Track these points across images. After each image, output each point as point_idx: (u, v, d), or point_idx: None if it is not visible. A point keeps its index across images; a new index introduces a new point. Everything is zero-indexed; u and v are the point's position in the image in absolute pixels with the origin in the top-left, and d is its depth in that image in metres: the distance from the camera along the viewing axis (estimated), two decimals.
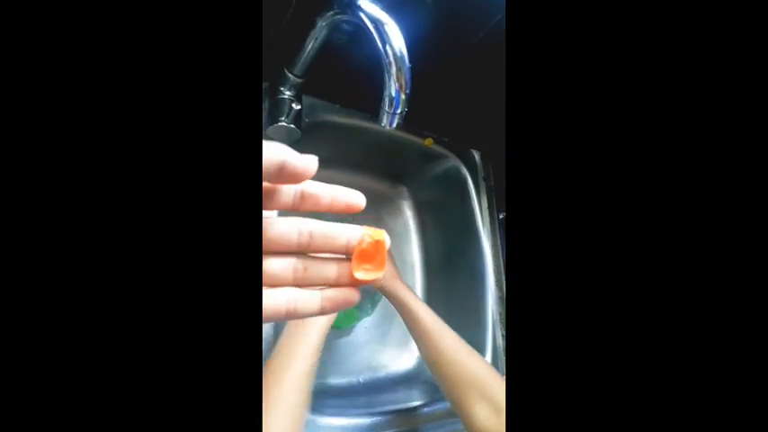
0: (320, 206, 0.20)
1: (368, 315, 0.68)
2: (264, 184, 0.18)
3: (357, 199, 0.20)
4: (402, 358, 0.69)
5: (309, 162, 0.18)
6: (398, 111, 0.37)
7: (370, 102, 0.56)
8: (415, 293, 0.52)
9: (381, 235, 0.20)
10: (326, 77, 0.53)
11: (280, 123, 0.47)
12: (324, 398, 0.60)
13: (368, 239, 0.20)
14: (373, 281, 0.20)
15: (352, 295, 0.20)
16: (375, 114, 0.60)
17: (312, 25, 0.41)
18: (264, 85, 0.52)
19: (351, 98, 0.59)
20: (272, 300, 0.19)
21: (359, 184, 0.73)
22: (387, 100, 0.37)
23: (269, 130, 0.48)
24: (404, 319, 0.52)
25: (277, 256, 0.20)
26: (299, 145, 0.55)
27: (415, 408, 0.57)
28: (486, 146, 0.69)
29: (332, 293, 0.20)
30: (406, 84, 0.36)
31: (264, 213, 0.19)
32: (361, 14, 0.35)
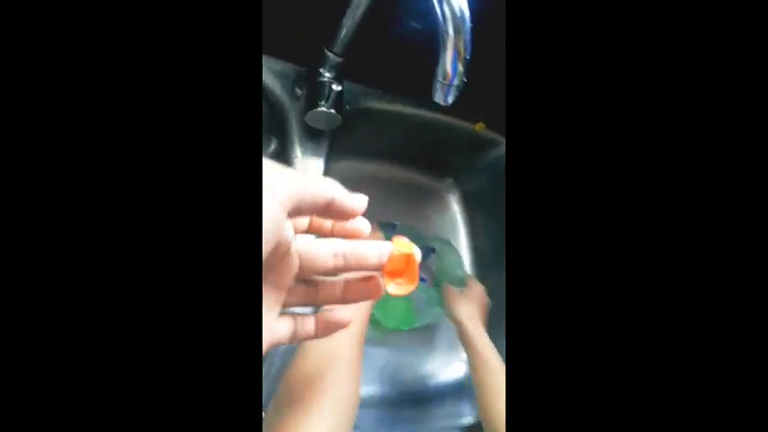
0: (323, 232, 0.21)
1: (430, 320, 0.62)
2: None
3: (361, 228, 0.20)
4: (451, 366, 0.64)
5: (359, 203, 0.19)
6: (455, 82, 0.32)
7: (416, 84, 0.51)
8: (492, 345, 0.47)
9: (411, 248, 0.20)
10: (368, 59, 0.48)
11: (319, 109, 0.43)
12: (367, 408, 0.55)
13: (396, 254, 0.20)
14: (406, 294, 0.20)
15: (346, 315, 0.21)
16: (421, 98, 0.56)
17: None
18: (302, 69, 0.49)
19: (394, 82, 0.54)
20: (282, 330, 0.20)
21: (400, 176, 0.68)
22: (441, 69, 0.31)
23: (308, 116, 0.44)
24: (471, 366, 0.47)
25: (303, 284, 0.21)
26: (338, 135, 0.52)
27: (467, 427, 0.51)
28: None
29: (325, 316, 0.21)
30: (465, 49, 0.30)
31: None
32: None
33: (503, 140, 0.61)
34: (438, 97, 0.33)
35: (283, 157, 0.49)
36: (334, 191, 0.18)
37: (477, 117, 0.59)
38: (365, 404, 0.57)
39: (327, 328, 0.21)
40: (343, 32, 0.40)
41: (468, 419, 0.54)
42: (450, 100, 0.33)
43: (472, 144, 0.62)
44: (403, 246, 0.20)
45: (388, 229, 0.60)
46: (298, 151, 0.49)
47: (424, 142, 0.62)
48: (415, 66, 0.46)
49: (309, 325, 0.20)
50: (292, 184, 0.16)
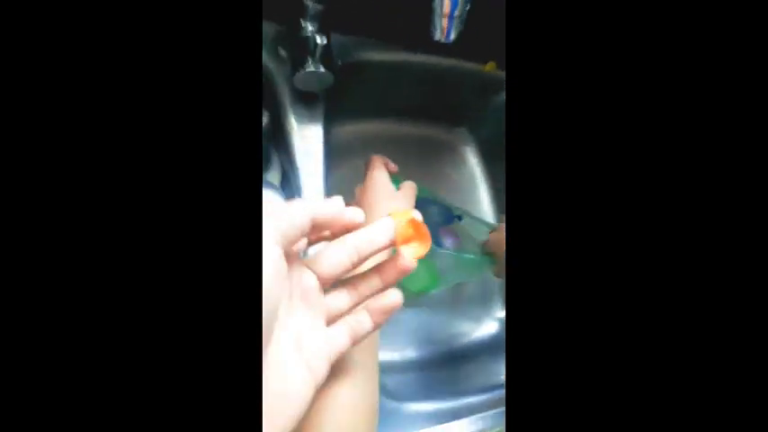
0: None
1: (458, 281, 0.59)
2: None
3: (356, 218, 0.20)
4: (484, 323, 0.62)
5: (355, 216, 0.20)
6: (456, 13, 0.26)
7: (412, 28, 0.45)
8: None
9: (408, 213, 0.21)
10: (353, 4, 0.43)
11: (307, 69, 0.39)
12: (401, 373, 0.55)
13: (399, 224, 0.21)
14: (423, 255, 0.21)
15: (395, 295, 0.21)
16: (419, 42, 0.49)
17: None
18: (281, 28, 0.43)
19: (387, 28, 0.47)
20: (339, 336, 0.21)
21: (408, 132, 0.63)
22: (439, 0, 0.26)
23: (295, 78, 0.40)
24: None
25: (335, 290, 0.21)
26: (333, 96, 0.47)
27: (503, 384, 0.49)
28: None
29: (375, 304, 0.21)
30: None
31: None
32: None
33: None
34: (438, 34, 0.27)
35: (278, 130, 0.45)
36: (311, 210, 0.19)
37: (485, 57, 0.52)
38: (398, 369, 0.56)
39: (382, 314, 0.21)
40: None
41: (503, 377, 0.52)
42: (453, 36, 0.28)
43: (483, 87, 0.56)
44: (400, 214, 0.21)
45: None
46: (292, 121, 0.44)
47: (429, 91, 0.56)
48: (409, 5, 0.40)
49: (364, 320, 0.21)
50: (279, 219, 0.18)
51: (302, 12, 0.38)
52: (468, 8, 0.27)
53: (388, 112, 0.59)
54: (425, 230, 0.21)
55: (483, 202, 0.65)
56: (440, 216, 0.57)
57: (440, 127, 0.64)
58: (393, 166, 0.44)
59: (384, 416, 0.40)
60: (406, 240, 0.21)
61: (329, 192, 0.45)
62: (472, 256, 0.55)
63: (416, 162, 0.62)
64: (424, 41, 0.28)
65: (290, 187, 0.47)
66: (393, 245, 0.21)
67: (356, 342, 0.21)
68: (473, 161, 0.66)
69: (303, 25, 0.39)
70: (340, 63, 0.45)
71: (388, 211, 0.22)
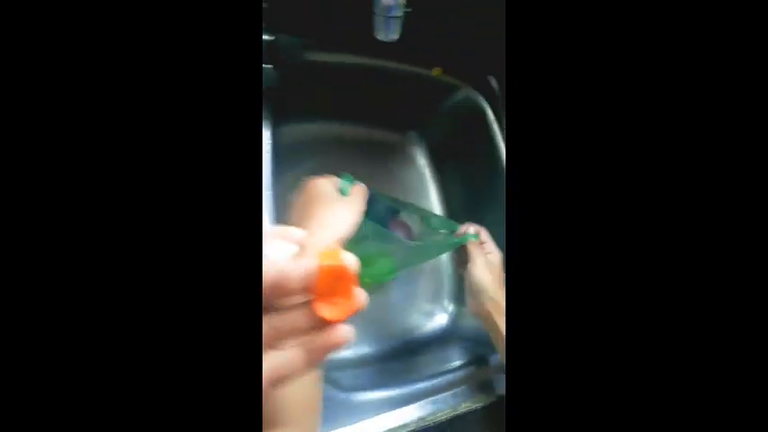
0: None
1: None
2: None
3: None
4: (435, 316, 0.64)
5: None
6: (396, 12, 0.28)
7: (360, 29, 0.47)
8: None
9: (338, 257, 0.16)
10: (302, 5, 0.44)
11: None
12: (357, 367, 0.55)
13: (326, 268, 0.16)
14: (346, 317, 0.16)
15: (342, 333, 0.16)
16: (368, 44, 0.51)
17: None
18: None
19: (335, 29, 0.49)
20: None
21: (360, 135, 0.64)
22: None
23: None
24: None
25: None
26: (279, 95, 0.47)
27: (455, 369, 0.52)
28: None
29: (317, 341, 0.16)
30: None
31: None
32: None
33: (463, 84, 0.58)
34: (381, 34, 0.29)
35: None
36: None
37: (436, 63, 0.55)
38: (355, 363, 0.57)
39: (324, 352, 0.17)
40: None
41: (456, 363, 0.55)
42: (395, 35, 0.29)
43: (431, 92, 0.59)
44: (329, 257, 0.16)
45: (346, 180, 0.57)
46: None
47: (378, 96, 0.58)
48: (358, 7, 0.41)
49: (298, 358, 0.17)
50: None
51: None
52: (408, 9, 0.29)
53: (337, 114, 0.61)
54: (353, 288, 0.16)
55: (431, 201, 0.68)
56: (384, 211, 0.58)
57: (389, 130, 0.66)
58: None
59: (335, 407, 0.41)
60: (327, 293, 0.16)
61: (276, 190, 0.45)
62: (424, 243, 0.56)
63: (364, 162, 0.64)
64: (373, 44, 0.30)
65: None
66: (308, 293, 0.16)
67: (281, 383, 0.16)
68: (422, 162, 0.68)
69: None
70: (289, 62, 0.45)
71: (331, 222, 0.17)
